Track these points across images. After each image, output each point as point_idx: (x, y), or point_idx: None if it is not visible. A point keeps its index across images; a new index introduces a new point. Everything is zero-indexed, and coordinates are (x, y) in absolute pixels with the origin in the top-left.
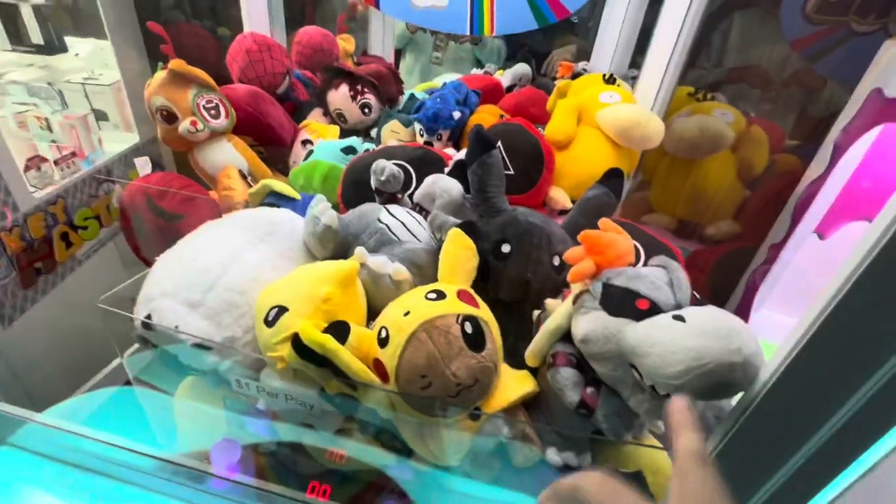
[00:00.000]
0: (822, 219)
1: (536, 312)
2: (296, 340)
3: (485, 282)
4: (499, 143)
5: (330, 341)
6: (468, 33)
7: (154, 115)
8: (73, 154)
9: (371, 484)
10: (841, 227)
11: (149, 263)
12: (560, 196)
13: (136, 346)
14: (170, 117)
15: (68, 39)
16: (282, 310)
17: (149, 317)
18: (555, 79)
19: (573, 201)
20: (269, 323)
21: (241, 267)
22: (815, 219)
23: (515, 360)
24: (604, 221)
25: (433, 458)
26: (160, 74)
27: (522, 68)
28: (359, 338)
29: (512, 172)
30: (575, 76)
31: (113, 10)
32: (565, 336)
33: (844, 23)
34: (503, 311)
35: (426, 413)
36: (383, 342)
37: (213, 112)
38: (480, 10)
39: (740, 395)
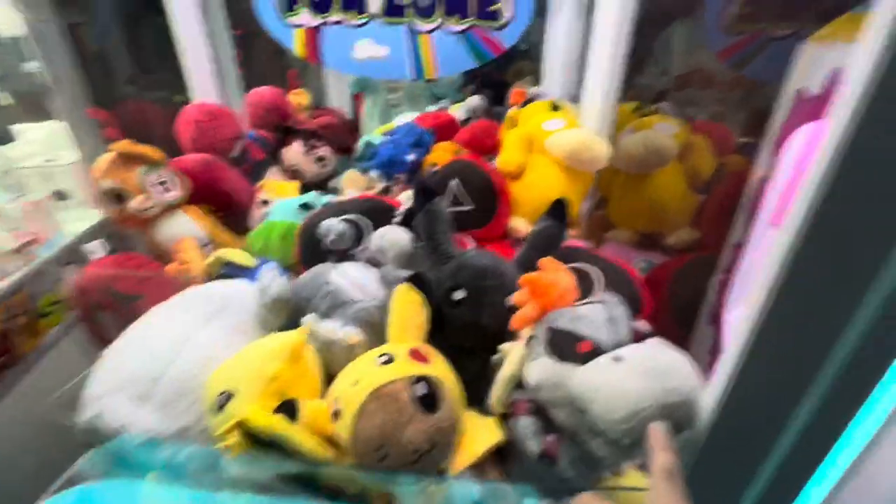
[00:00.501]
0: (773, 212)
1: (494, 357)
2: (243, 427)
3: (441, 331)
4: (456, 181)
5: (279, 424)
6: (411, 78)
7: (102, 198)
8: (33, 240)
9: None
10: None
11: None
12: (520, 225)
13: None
14: (119, 198)
15: (22, 126)
16: (229, 395)
17: (98, 417)
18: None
19: None
20: (217, 411)
21: (192, 350)
22: (769, 213)
23: (484, 405)
24: (543, 261)
25: None
26: (106, 157)
27: (475, 101)
28: (311, 413)
29: (470, 208)
30: (527, 102)
31: (65, 92)
32: (523, 383)
33: (762, 30)
34: (465, 357)
35: (389, 483)
36: (336, 415)
37: (164, 187)
38: (420, 55)
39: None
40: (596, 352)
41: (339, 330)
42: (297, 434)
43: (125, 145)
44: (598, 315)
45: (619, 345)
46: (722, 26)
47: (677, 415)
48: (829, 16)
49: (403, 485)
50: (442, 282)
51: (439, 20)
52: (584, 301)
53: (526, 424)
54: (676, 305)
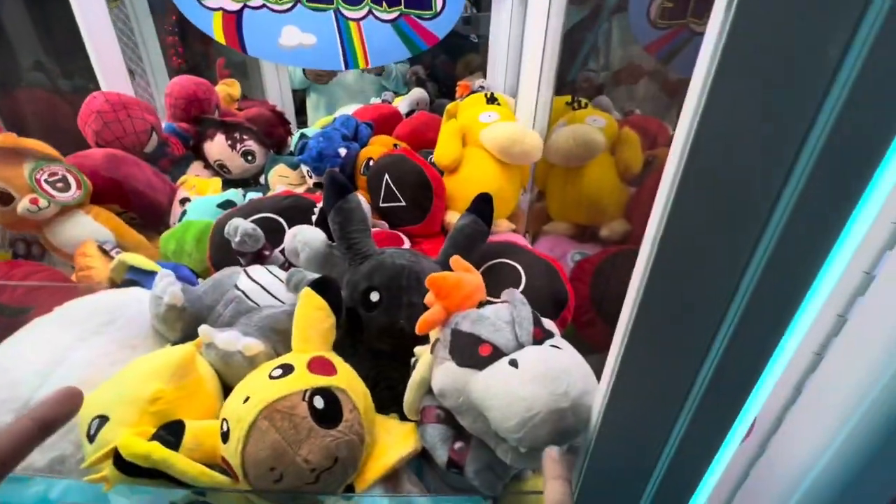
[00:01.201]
0: None
1: (413, 359)
2: (116, 456)
3: (359, 334)
4: (386, 175)
5: (156, 450)
6: (343, 69)
7: None
8: None
9: None
10: None
11: None
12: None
13: None
14: (6, 198)
15: None
16: (103, 420)
17: None
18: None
19: None
20: (91, 437)
21: (68, 371)
22: None
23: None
24: (453, 260)
25: None
26: None
27: (418, 93)
28: (199, 435)
29: (404, 204)
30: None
31: None
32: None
33: (684, 24)
34: (387, 361)
35: None
36: (225, 436)
37: (59, 185)
38: (351, 44)
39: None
40: (496, 355)
41: (239, 341)
42: (179, 461)
43: (7, 138)
44: (501, 316)
45: (520, 347)
46: (649, 20)
47: (567, 421)
48: None
49: None
50: (357, 283)
51: (367, 8)
52: (490, 301)
53: (433, 433)
54: (599, 299)
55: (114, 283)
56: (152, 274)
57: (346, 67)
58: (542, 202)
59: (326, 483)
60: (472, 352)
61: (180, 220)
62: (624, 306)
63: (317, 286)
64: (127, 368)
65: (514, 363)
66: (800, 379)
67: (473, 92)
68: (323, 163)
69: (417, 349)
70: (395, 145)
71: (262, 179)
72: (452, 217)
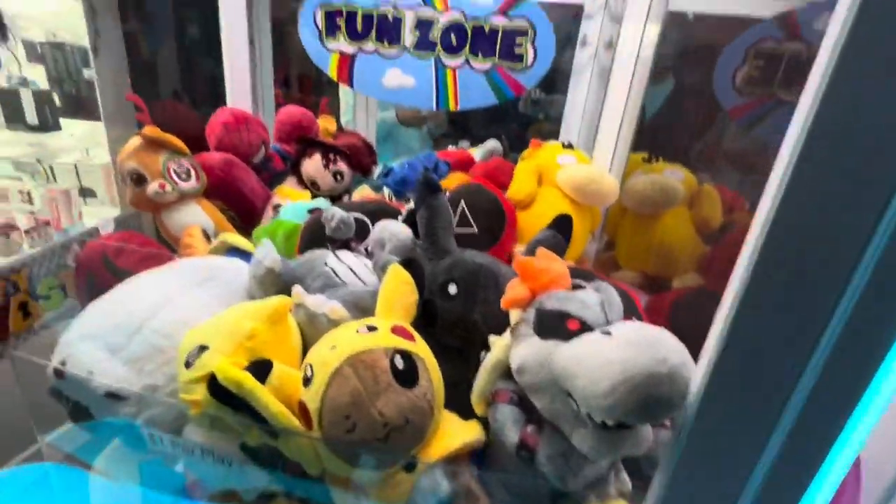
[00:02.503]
0: None
1: (483, 353)
2: (211, 380)
3: (432, 325)
4: (462, 202)
5: (248, 380)
6: (434, 108)
7: (125, 178)
8: (47, 223)
9: None
10: None
11: None
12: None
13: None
14: (139, 180)
15: (65, 121)
16: (202, 349)
17: (63, 363)
18: None
19: None
20: (189, 364)
21: (171, 310)
22: None
23: (469, 410)
24: (540, 250)
25: None
26: (133, 141)
27: (493, 143)
28: (283, 378)
29: (475, 230)
30: None
31: (110, 94)
32: (508, 373)
33: (771, 94)
34: (455, 359)
35: (353, 463)
36: (307, 381)
37: (183, 175)
38: (445, 88)
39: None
40: (584, 330)
41: (325, 304)
42: (264, 395)
43: (152, 130)
44: (589, 297)
45: (609, 325)
46: (734, 86)
47: (662, 389)
48: None
49: (365, 468)
50: (437, 276)
51: (464, 58)
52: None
53: (506, 412)
54: (677, 333)
55: None
56: (248, 254)
57: (437, 107)
58: (610, 252)
59: (394, 443)
60: (558, 325)
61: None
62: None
63: (404, 264)
64: (229, 309)
65: (606, 333)
66: None
67: None
68: (405, 187)
69: (492, 338)
70: None
71: (345, 199)
72: (520, 249)
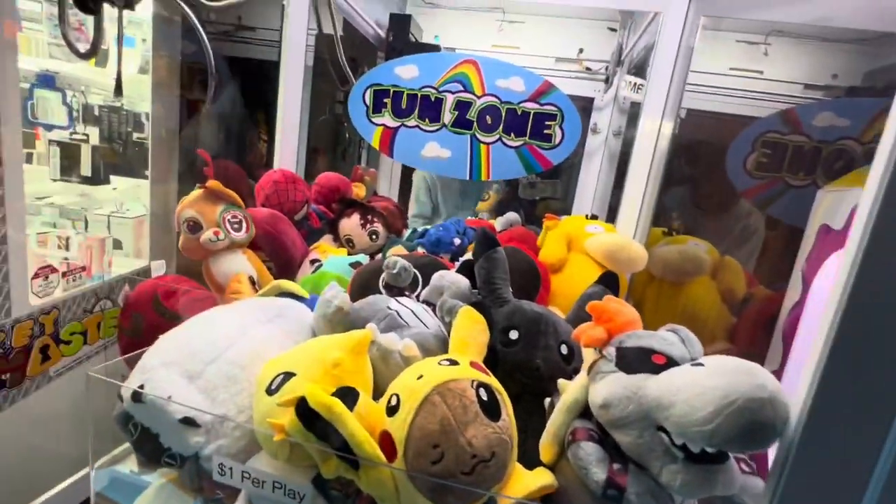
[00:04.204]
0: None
1: (548, 400)
2: (301, 404)
3: (493, 371)
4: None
5: (337, 405)
6: (468, 178)
7: (180, 225)
8: (83, 268)
9: None
10: None
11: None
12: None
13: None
14: (195, 227)
15: (114, 177)
16: (288, 375)
17: (141, 387)
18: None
19: None
20: (272, 391)
21: (248, 341)
22: (804, 343)
23: (529, 461)
24: (607, 297)
25: None
26: (195, 192)
27: (512, 216)
28: (366, 408)
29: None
30: None
31: (160, 153)
32: (582, 413)
33: (780, 178)
34: (514, 407)
35: (435, 499)
36: (393, 410)
37: (236, 226)
38: (479, 161)
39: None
40: (670, 364)
41: (399, 341)
42: (352, 421)
43: (216, 184)
44: (668, 335)
45: (693, 360)
46: (745, 170)
47: (765, 413)
48: (838, 172)
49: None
50: (497, 323)
51: (498, 136)
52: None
53: (591, 450)
54: None
55: None
56: (301, 299)
57: (471, 178)
58: None
59: (479, 479)
60: (644, 360)
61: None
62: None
63: (475, 306)
64: (312, 341)
65: (698, 364)
66: None
67: None
68: (439, 248)
69: (561, 382)
70: None
71: (378, 258)
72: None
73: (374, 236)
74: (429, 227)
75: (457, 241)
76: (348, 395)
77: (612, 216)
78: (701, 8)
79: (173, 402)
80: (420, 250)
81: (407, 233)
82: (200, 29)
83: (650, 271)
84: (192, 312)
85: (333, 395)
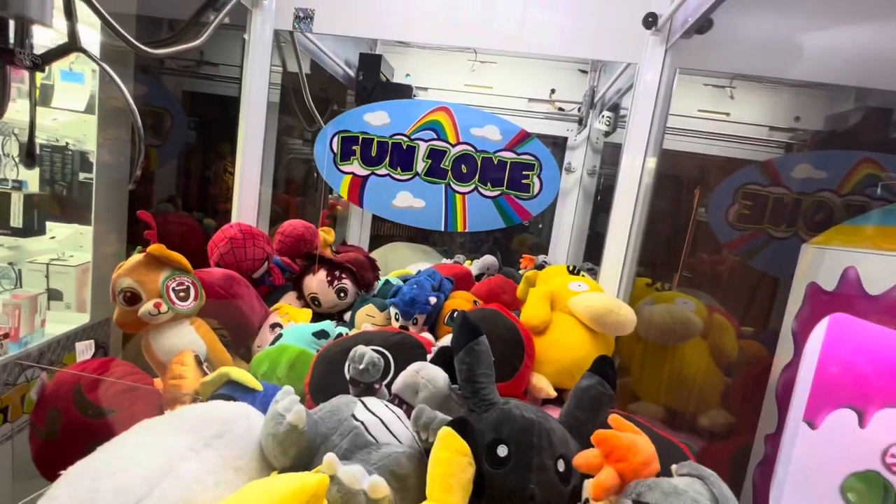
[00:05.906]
0: (806, 407)
1: None
2: None
3: (477, 496)
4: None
5: None
6: (443, 230)
7: (116, 296)
8: (6, 335)
9: None
10: (827, 415)
11: (48, 476)
12: (543, 384)
13: None
14: (133, 299)
15: (51, 224)
16: None
17: None
18: (518, 269)
19: (556, 389)
20: None
21: (174, 484)
22: (800, 406)
23: None
24: (615, 419)
25: None
26: (135, 258)
27: (489, 259)
28: None
29: (492, 359)
30: (537, 267)
31: (105, 198)
32: None
33: (762, 229)
34: None
35: None
36: None
37: (182, 294)
38: (454, 212)
39: None
40: None
41: (364, 479)
42: None
43: (160, 248)
44: (699, 492)
45: None
46: (727, 221)
47: None
48: (819, 224)
49: None
50: (484, 433)
51: (474, 186)
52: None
53: None
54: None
55: (200, 396)
56: (250, 392)
57: (446, 229)
58: (625, 378)
59: None
60: None
61: (272, 344)
62: None
63: (458, 427)
64: (250, 490)
65: None
66: None
67: (540, 265)
68: (414, 308)
69: None
70: (475, 301)
71: (346, 317)
72: (538, 381)
73: (342, 294)
74: (399, 281)
75: (432, 299)
76: None
77: (590, 253)
78: (676, 61)
79: None
80: (392, 311)
81: (378, 285)
82: (124, 88)
83: (637, 332)
84: (125, 406)
85: None
